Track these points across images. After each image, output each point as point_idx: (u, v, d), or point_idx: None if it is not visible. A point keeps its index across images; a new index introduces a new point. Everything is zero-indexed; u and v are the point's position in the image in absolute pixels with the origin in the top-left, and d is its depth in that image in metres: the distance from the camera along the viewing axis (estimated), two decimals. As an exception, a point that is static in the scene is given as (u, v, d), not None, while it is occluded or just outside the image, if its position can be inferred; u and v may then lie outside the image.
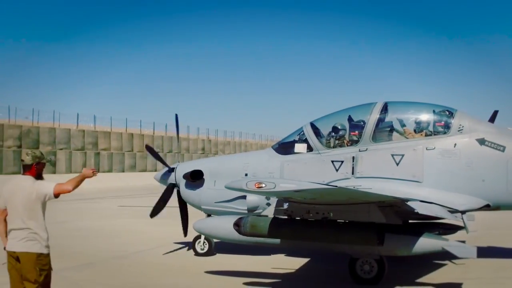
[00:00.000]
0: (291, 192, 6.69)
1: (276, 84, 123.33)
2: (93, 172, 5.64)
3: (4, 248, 5.53)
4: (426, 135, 9.18)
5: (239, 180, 7.22)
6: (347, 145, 9.38)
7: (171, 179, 10.79)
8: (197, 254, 10.71)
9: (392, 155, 9.03)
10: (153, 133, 51.03)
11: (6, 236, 5.57)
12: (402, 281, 8.59)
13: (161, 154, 48.91)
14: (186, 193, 10.40)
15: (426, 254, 8.15)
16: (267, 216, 8.32)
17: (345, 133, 9.51)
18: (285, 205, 8.18)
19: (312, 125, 9.79)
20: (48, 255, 5.52)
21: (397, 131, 9.41)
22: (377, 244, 7.86)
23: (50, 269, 5.55)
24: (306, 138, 9.64)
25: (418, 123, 9.39)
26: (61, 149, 39.47)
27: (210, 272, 9.20)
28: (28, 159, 5.69)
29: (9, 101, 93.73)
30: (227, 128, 69.71)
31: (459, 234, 9.85)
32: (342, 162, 9.21)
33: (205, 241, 10.63)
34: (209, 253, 10.70)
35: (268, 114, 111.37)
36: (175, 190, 10.84)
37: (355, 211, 7.88)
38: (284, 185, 6.47)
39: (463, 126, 9.07)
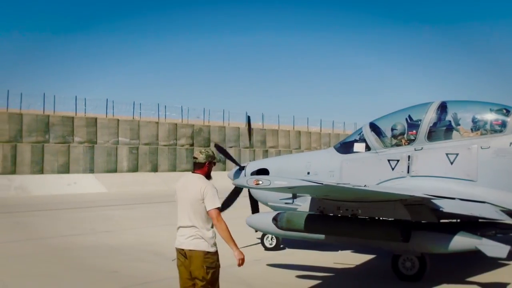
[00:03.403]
0: (285, 188, 7.63)
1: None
2: (241, 261, 5.74)
3: None
4: (482, 134, 9.53)
5: (242, 177, 8.38)
6: (404, 145, 10.01)
7: (242, 176, 12.00)
8: (266, 249, 11.93)
9: (447, 154, 9.48)
10: (320, 130, 51.70)
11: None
12: (450, 279, 9.18)
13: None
14: (255, 190, 11.44)
15: (461, 252, 8.56)
16: (302, 212, 9.26)
17: (402, 132, 10.16)
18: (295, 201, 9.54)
19: (371, 125, 10.58)
20: (215, 253, 5.74)
21: (452, 130, 9.86)
22: (402, 241, 8.54)
23: (217, 266, 5.77)
24: (365, 138, 10.44)
25: (473, 121, 9.77)
26: (230, 147, 41.89)
27: (272, 265, 10.36)
28: (201, 158, 5.96)
29: (182, 101, 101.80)
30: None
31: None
32: (398, 161, 9.86)
33: (273, 236, 11.75)
34: (277, 247, 11.90)
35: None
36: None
37: (381, 208, 8.58)
38: (277, 182, 7.33)
39: None
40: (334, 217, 8.99)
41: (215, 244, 5.77)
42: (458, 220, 9.50)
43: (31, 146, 31.86)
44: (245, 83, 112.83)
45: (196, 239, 5.68)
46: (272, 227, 9.41)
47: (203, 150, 6.09)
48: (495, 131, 9.45)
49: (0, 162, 30.46)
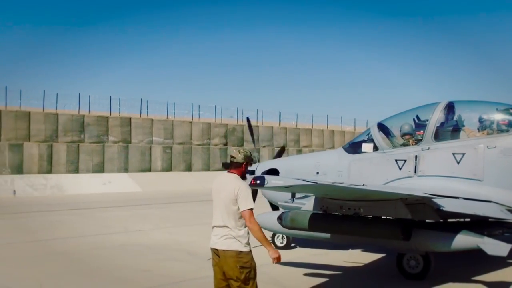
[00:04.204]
0: (281, 187, 7.91)
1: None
2: (277, 260, 5.75)
3: None
4: (488, 133, 9.62)
5: None
6: (412, 145, 10.16)
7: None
8: (276, 247, 11.96)
9: (453, 154, 9.58)
10: (354, 129, 51.25)
11: None
12: (456, 278, 9.34)
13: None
14: (265, 190, 11.59)
15: (463, 250, 8.65)
16: (306, 211, 9.47)
17: (409, 132, 10.32)
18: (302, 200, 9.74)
19: (379, 125, 10.78)
20: (249, 252, 5.73)
21: (459, 130, 9.98)
22: (402, 239, 8.68)
23: (252, 266, 5.73)
24: (372, 138, 10.64)
25: (480, 121, 9.86)
26: (264, 146, 41.84)
27: (281, 264, 10.37)
28: (239, 158, 5.95)
29: (216, 101, 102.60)
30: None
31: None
32: (405, 160, 10.01)
33: (284, 235, 11.97)
34: (287, 246, 12.11)
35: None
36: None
37: (383, 207, 8.75)
38: (274, 181, 7.49)
39: None
40: (336, 216, 9.21)
41: (248, 244, 5.75)
42: (467, 220, 9.56)
43: (66, 145, 32.49)
44: (279, 82, 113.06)
45: (229, 239, 5.68)
46: (277, 226, 9.65)
47: (241, 150, 6.04)
48: (502, 131, 9.54)
49: (37, 161, 31.13)
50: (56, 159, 31.90)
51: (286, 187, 7.82)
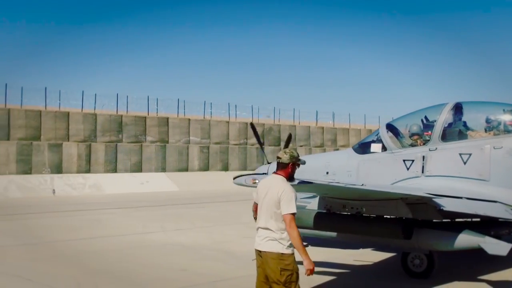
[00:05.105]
0: None
1: None
2: (310, 272, 5.62)
3: None
4: (495, 134, 9.70)
5: (242, 177, 9.06)
6: (420, 145, 10.29)
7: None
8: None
9: (460, 154, 9.69)
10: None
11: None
12: (462, 277, 9.46)
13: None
14: None
15: (465, 249, 8.75)
16: (311, 210, 9.65)
17: (417, 133, 10.44)
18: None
19: (388, 126, 10.97)
20: (291, 255, 5.68)
21: (466, 131, 10.07)
22: (403, 238, 8.83)
23: (294, 269, 5.66)
24: (381, 139, 10.81)
25: (487, 122, 9.96)
26: (301, 146, 41.68)
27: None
28: (285, 158, 5.90)
29: (253, 100, 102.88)
30: None
31: None
32: (413, 161, 10.14)
33: None
34: None
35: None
36: None
37: (384, 206, 8.89)
38: None
39: None
40: (339, 214, 9.41)
41: (291, 245, 5.68)
42: (475, 220, 9.60)
43: (104, 145, 33.04)
44: (316, 81, 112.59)
45: (271, 241, 5.67)
46: None
47: (287, 151, 5.98)
48: (508, 131, 9.64)
49: (75, 161, 31.73)
50: (95, 158, 32.60)
51: None
